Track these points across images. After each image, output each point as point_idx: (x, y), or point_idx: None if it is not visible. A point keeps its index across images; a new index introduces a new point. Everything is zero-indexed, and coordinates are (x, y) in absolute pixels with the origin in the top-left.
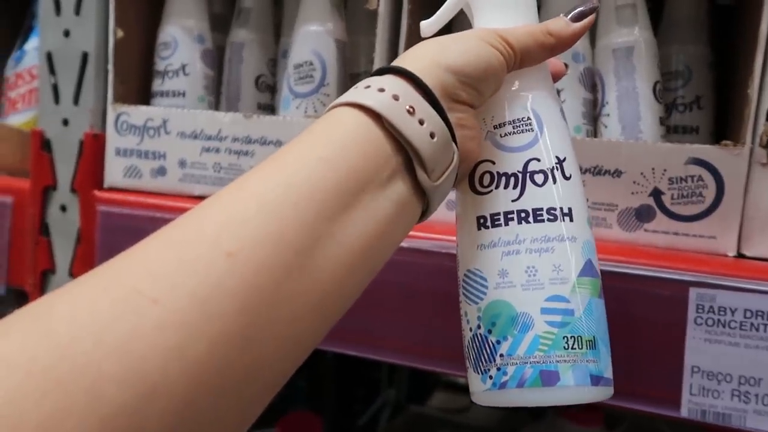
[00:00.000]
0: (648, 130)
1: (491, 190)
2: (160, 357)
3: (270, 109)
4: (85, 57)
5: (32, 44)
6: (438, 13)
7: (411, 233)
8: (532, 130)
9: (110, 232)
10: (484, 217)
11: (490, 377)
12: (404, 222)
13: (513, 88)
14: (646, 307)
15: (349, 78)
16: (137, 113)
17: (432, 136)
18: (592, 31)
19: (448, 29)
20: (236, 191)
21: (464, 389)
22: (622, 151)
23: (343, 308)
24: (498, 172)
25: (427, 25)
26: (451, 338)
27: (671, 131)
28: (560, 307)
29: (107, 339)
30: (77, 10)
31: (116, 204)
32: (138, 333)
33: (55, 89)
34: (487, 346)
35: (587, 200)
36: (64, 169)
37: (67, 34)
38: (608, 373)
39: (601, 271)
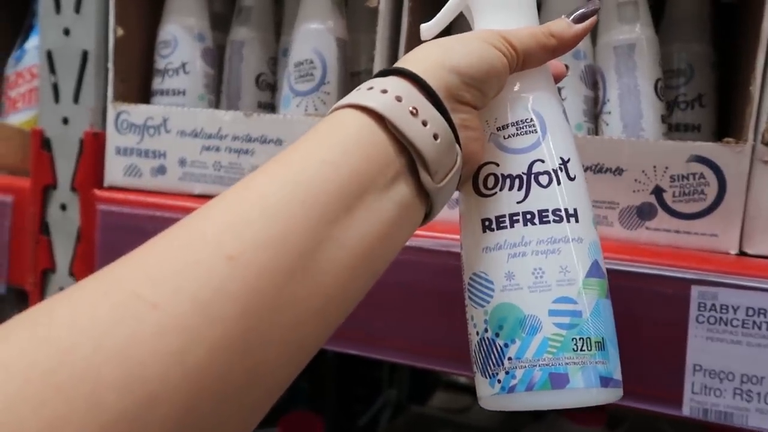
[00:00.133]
0: (649, 128)
1: (496, 192)
2: (160, 362)
3: (270, 107)
4: (85, 55)
5: (32, 43)
6: (438, 15)
7: None
8: (536, 132)
9: (110, 231)
10: (489, 220)
11: (499, 381)
12: (407, 224)
13: (515, 90)
14: (647, 306)
15: (350, 76)
16: (137, 112)
17: (435, 137)
18: (594, 28)
19: (447, 32)
20: (242, 191)
21: (465, 389)
22: (623, 149)
23: (346, 311)
24: (502, 174)
25: (427, 28)
26: (453, 337)
27: (673, 129)
28: (568, 309)
29: (107, 344)
30: (77, 9)
31: (116, 203)
32: (138, 338)
33: (56, 88)
34: (494, 349)
35: None
36: (65, 168)
37: (67, 32)
38: (617, 374)
39: None
